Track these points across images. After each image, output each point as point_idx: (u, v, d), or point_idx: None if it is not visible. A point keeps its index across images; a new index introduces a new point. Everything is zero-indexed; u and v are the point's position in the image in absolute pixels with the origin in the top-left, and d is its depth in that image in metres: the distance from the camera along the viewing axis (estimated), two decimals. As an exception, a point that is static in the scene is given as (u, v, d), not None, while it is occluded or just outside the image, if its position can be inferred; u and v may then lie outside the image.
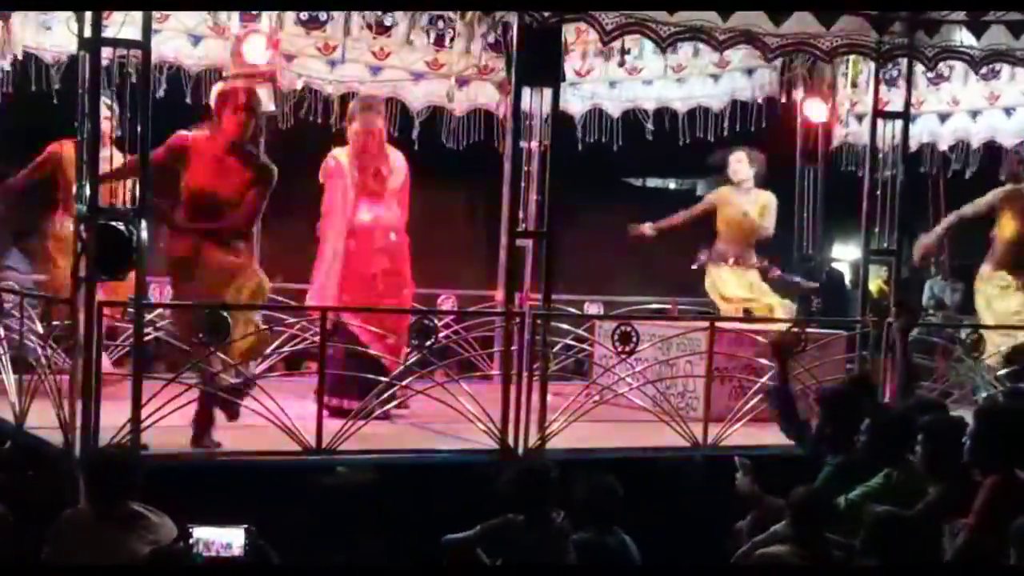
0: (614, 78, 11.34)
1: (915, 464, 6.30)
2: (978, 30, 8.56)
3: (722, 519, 6.86)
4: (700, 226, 10.76)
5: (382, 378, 8.15)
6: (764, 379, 8.56)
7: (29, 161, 9.43)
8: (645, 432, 8.35)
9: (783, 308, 10.29)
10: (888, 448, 6.42)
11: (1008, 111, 10.92)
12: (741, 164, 10.52)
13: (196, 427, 7.43)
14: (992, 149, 10.95)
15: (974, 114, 11.12)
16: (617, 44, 10.04)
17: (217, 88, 8.05)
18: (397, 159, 9.20)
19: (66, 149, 8.87)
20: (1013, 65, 9.17)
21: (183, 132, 7.68)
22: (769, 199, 10.58)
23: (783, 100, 11.11)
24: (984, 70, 9.43)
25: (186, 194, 7.64)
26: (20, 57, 9.09)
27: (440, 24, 10.37)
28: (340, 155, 9.11)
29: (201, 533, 5.77)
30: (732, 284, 10.41)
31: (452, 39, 10.46)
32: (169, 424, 7.09)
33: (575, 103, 11.30)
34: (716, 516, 6.93)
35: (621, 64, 10.93)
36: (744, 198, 10.53)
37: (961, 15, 8.51)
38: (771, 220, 10.59)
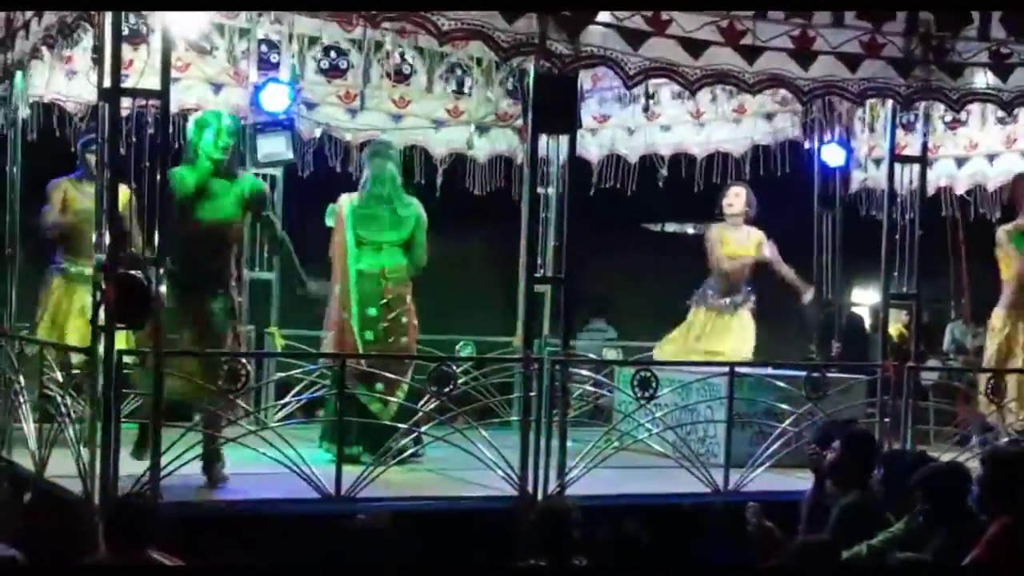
0: (631, 124, 11.39)
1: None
2: (1003, 72, 8.56)
3: (744, 565, 6.82)
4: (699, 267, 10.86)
5: (400, 425, 8.17)
6: (785, 424, 8.55)
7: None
8: (665, 478, 8.32)
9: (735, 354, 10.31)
10: (904, 494, 6.39)
11: (1025, 154, 10.92)
12: (739, 198, 10.60)
13: (207, 466, 7.53)
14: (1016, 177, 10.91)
15: (991, 158, 11.12)
16: (640, 90, 10.17)
17: (194, 118, 8.08)
18: (409, 207, 9.19)
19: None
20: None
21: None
22: (761, 235, 10.68)
23: (807, 145, 11.15)
24: (1001, 114, 9.42)
25: (188, 231, 7.67)
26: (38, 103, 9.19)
27: (459, 72, 10.44)
28: (345, 201, 9.13)
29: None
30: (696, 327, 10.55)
31: (471, 86, 10.52)
32: (188, 472, 7.10)
33: (592, 148, 11.35)
34: (738, 562, 6.88)
35: (646, 109, 11.01)
36: (737, 235, 10.60)
37: (984, 57, 8.52)
38: (770, 250, 10.62)
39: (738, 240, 10.65)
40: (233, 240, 8.06)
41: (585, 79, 9.44)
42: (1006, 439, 9.11)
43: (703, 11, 7.75)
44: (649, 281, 16.56)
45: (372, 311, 8.99)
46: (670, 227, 20.63)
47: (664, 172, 11.38)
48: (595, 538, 6.29)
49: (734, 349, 10.40)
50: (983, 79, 8.58)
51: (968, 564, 5.75)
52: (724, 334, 10.55)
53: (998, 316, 10.21)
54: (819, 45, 8.06)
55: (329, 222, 9.20)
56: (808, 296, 10.86)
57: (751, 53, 7.88)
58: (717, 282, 10.71)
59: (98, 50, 7.11)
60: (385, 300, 9.01)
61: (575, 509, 6.39)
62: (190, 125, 7.99)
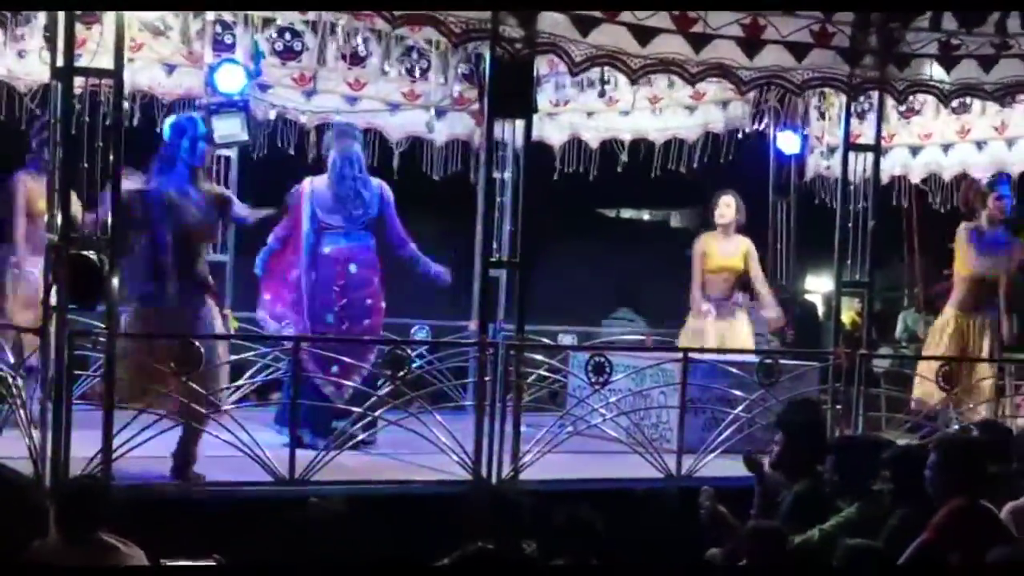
0: (591, 108, 11.40)
1: (882, 495, 6.34)
2: (948, 64, 8.62)
3: (696, 549, 6.85)
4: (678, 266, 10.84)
5: (354, 408, 8.15)
6: (738, 410, 8.59)
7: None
8: (618, 463, 8.35)
9: None
10: (856, 479, 6.45)
11: (979, 144, 10.99)
12: (730, 208, 10.55)
13: (177, 459, 7.46)
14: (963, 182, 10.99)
15: (945, 147, 11.20)
16: (596, 75, 10.18)
17: (169, 121, 8.03)
18: (375, 188, 9.14)
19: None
20: (983, 99, 9.23)
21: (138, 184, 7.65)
22: (749, 245, 10.62)
23: (756, 132, 11.19)
24: (955, 104, 9.49)
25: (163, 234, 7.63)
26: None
27: (415, 55, 10.42)
28: (308, 183, 9.07)
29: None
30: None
31: (427, 70, 10.50)
32: (140, 455, 7.07)
33: (554, 133, 11.35)
34: (690, 546, 6.92)
35: (602, 95, 11.01)
36: (725, 245, 10.56)
37: (932, 49, 8.57)
38: (756, 264, 10.62)
39: (726, 251, 10.54)
40: (206, 241, 8.07)
41: (542, 63, 9.43)
42: (956, 427, 9.21)
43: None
44: (603, 266, 16.60)
45: (334, 293, 8.96)
46: (626, 213, 20.72)
47: (624, 158, 11.40)
48: (550, 522, 6.29)
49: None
50: (930, 70, 8.63)
51: (917, 546, 5.83)
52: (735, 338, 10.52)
53: (948, 315, 10.24)
54: (769, 34, 8.07)
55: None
56: (773, 315, 10.78)
57: (699, 41, 7.89)
58: (711, 290, 10.64)
59: (51, 28, 7.05)
60: (345, 282, 8.98)
61: (524, 495, 6.41)
62: (165, 129, 7.92)
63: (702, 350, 9.56)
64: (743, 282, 10.59)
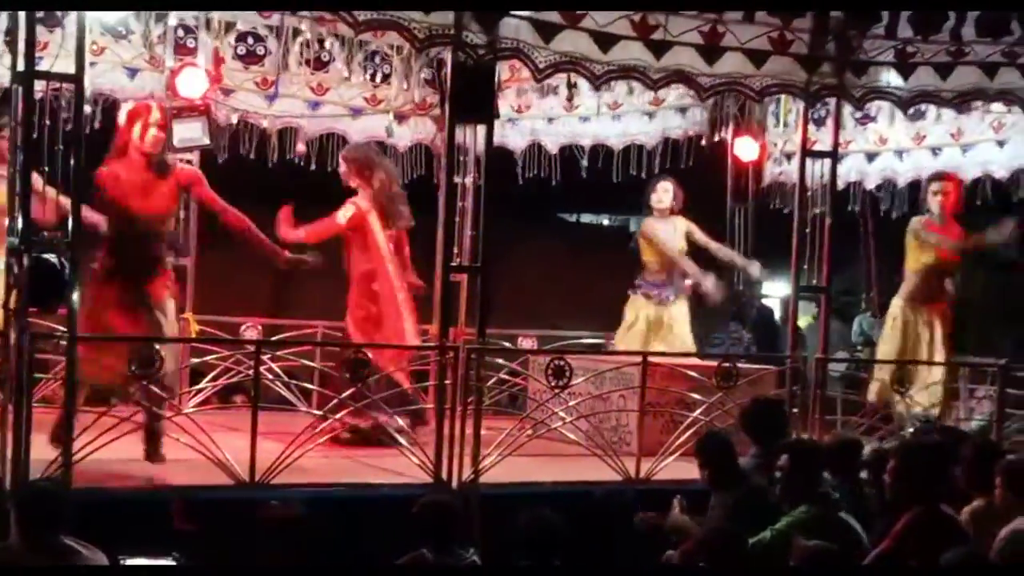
0: (552, 114, 11.46)
1: (832, 499, 6.41)
2: (905, 71, 8.72)
3: (654, 551, 6.91)
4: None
5: (315, 411, 8.16)
6: (696, 413, 8.66)
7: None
8: (578, 466, 8.39)
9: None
10: (806, 482, 6.52)
11: (934, 151, 11.12)
12: (667, 193, 10.65)
13: (147, 443, 7.66)
14: (918, 188, 11.12)
15: (900, 154, 11.32)
16: (562, 81, 10.26)
17: (126, 108, 8.09)
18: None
19: None
20: (939, 106, 9.33)
21: (102, 169, 7.76)
22: (688, 223, 10.71)
23: (714, 139, 11.27)
24: (911, 111, 9.60)
25: (119, 222, 7.74)
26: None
27: (377, 60, 10.44)
28: (365, 204, 9.34)
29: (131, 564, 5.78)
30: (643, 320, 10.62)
31: (389, 75, 10.53)
32: (100, 457, 7.06)
33: (515, 138, 11.40)
34: (648, 548, 6.98)
35: (570, 99, 11.08)
36: (666, 228, 10.65)
37: (889, 56, 8.67)
38: (703, 236, 10.72)
39: (667, 232, 10.68)
40: (166, 231, 8.15)
41: (504, 69, 9.48)
42: (910, 428, 9.32)
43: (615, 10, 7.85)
44: (565, 271, 16.65)
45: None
46: (585, 218, 20.80)
47: (584, 163, 11.46)
48: (513, 525, 6.33)
49: (681, 341, 10.53)
50: (887, 77, 8.74)
51: (876, 556, 5.86)
52: (668, 329, 10.60)
53: (898, 306, 10.37)
54: (728, 41, 8.15)
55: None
56: (755, 270, 10.95)
57: (659, 48, 7.96)
58: (653, 275, 10.75)
59: (12, 32, 7.04)
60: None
61: (455, 503, 6.45)
62: (120, 117, 7.97)
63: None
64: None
